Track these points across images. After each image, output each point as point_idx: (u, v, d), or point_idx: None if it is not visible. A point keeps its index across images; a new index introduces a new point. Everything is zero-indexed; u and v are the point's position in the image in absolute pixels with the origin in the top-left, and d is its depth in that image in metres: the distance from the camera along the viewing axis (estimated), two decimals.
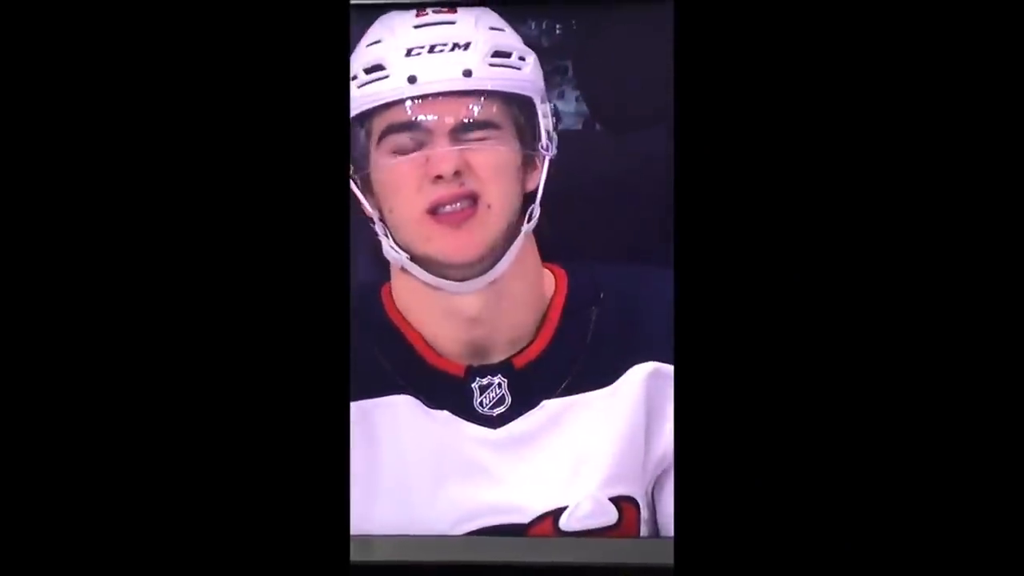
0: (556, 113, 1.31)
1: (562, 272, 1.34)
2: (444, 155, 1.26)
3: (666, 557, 1.09)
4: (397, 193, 1.28)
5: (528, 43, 1.32)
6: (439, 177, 1.26)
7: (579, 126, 1.36)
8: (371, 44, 1.30)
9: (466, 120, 1.27)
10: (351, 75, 1.29)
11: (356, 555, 1.16)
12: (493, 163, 1.27)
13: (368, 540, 1.30)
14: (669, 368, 1.29)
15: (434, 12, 1.29)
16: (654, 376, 1.30)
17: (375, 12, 1.32)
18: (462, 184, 1.26)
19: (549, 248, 1.33)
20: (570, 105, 1.37)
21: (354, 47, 1.31)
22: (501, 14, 1.32)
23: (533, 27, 1.34)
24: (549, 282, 1.34)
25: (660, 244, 1.31)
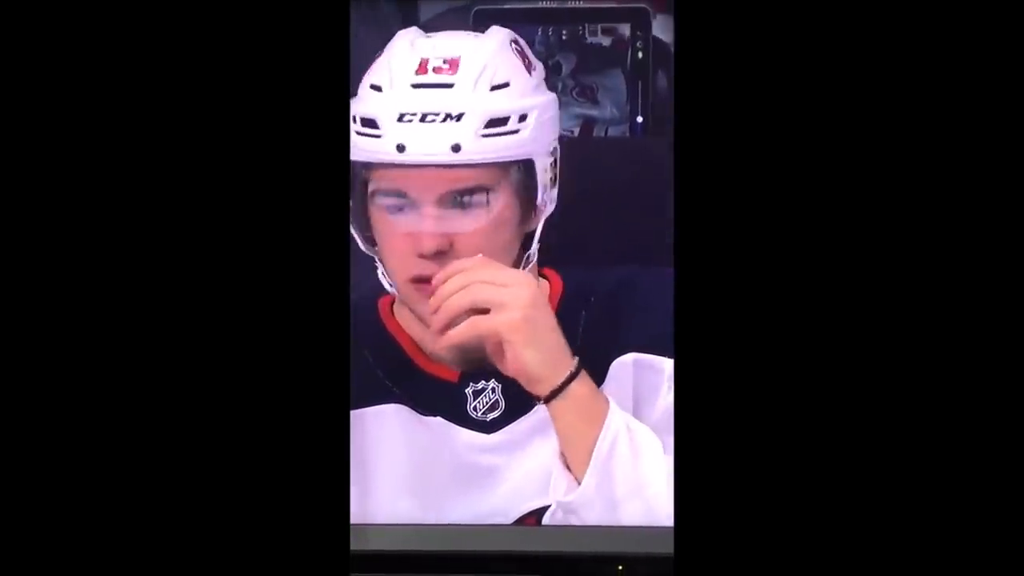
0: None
1: (557, 277, 1.34)
2: (425, 237, 1.25)
3: (666, 547, 1.12)
4: (391, 254, 1.29)
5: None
6: (423, 255, 1.25)
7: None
8: (373, 86, 1.27)
9: (452, 192, 1.25)
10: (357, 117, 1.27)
11: (354, 544, 1.19)
12: (476, 244, 1.25)
13: (365, 529, 1.31)
14: (650, 357, 1.30)
15: (435, 71, 1.24)
16: (636, 366, 1.31)
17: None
18: (444, 264, 1.25)
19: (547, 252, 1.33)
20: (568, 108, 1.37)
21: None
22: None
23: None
24: (544, 288, 1.33)
25: (646, 243, 1.33)
